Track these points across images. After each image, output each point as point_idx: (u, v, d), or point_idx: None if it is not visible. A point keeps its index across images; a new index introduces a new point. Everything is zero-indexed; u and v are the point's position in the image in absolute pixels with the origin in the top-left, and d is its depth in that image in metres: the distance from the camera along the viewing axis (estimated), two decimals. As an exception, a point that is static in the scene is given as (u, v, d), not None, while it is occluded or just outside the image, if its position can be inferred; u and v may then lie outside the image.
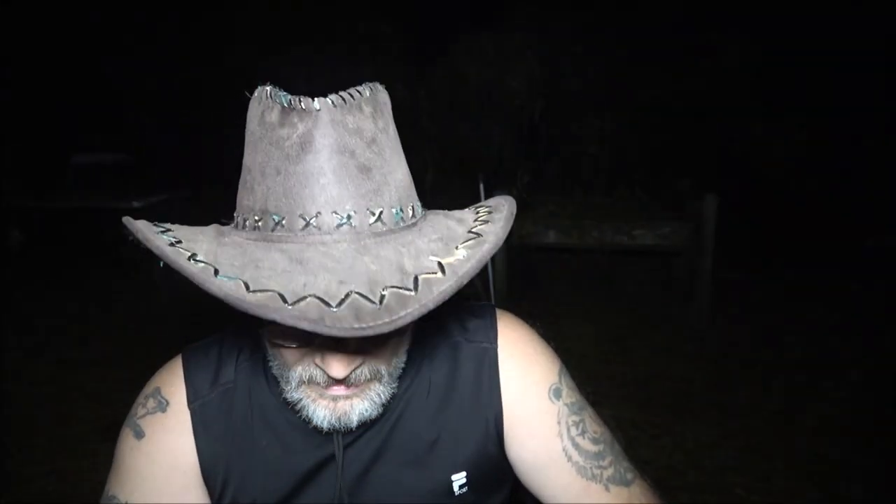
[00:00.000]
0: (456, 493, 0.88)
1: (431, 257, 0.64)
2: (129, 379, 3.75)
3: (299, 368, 0.72)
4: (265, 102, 0.67)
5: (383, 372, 0.75)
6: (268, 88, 0.67)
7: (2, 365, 3.87)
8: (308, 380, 0.72)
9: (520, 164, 6.60)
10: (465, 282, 0.61)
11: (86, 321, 4.85)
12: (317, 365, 0.71)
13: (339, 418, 0.73)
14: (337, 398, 0.73)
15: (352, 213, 0.64)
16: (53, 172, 6.31)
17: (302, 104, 0.64)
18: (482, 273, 4.72)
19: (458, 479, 0.88)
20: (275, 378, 0.86)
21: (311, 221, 0.63)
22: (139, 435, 0.85)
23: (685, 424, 3.34)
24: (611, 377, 3.81)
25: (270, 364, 0.78)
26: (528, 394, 0.90)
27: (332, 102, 0.65)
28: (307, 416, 0.74)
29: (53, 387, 3.73)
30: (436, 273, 0.61)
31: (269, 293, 0.56)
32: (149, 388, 0.89)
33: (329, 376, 0.70)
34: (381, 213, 0.66)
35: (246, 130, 0.70)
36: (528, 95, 7.05)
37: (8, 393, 3.56)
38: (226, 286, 0.57)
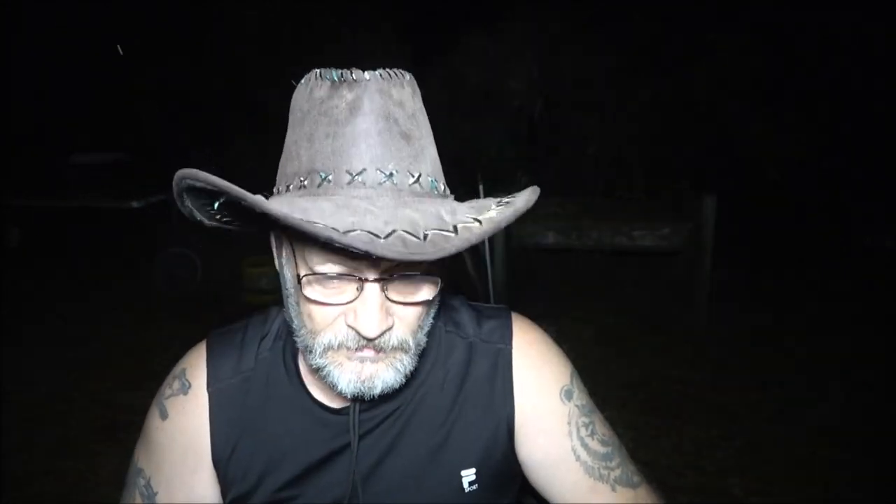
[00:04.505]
0: (466, 490, 0.90)
1: (468, 214, 0.69)
2: (128, 379, 3.77)
3: (329, 334, 0.74)
4: (313, 82, 0.73)
5: (410, 343, 0.76)
6: (316, 70, 0.73)
7: (1, 365, 3.86)
8: (337, 346, 0.74)
9: (519, 164, 6.60)
10: (502, 226, 0.67)
11: (85, 321, 4.84)
12: (349, 326, 0.72)
13: (363, 382, 0.74)
14: (364, 360, 0.74)
15: (394, 172, 0.69)
16: (53, 171, 6.31)
17: (353, 76, 0.71)
18: (482, 274, 4.72)
19: (468, 475, 0.90)
20: (295, 367, 0.90)
21: (357, 177, 0.68)
22: (164, 415, 0.91)
23: (684, 425, 3.34)
24: (609, 378, 3.81)
25: (296, 337, 0.79)
26: (541, 394, 0.92)
27: (380, 75, 0.72)
28: (332, 381, 0.75)
29: (53, 387, 3.72)
30: (473, 223, 0.67)
31: (321, 225, 0.60)
32: (177, 369, 0.93)
33: (361, 336, 0.71)
34: (419, 176, 0.71)
35: (291, 112, 0.75)
36: (527, 96, 7.05)
37: (7, 393, 3.55)
38: (279, 212, 0.61)
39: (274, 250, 0.82)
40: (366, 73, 0.72)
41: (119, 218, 6.10)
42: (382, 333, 0.73)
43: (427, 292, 0.75)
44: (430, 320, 0.83)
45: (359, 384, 0.75)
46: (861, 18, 6.16)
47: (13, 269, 5.89)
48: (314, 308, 0.75)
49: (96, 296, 5.45)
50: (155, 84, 7.60)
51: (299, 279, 0.73)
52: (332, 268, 0.71)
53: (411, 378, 0.89)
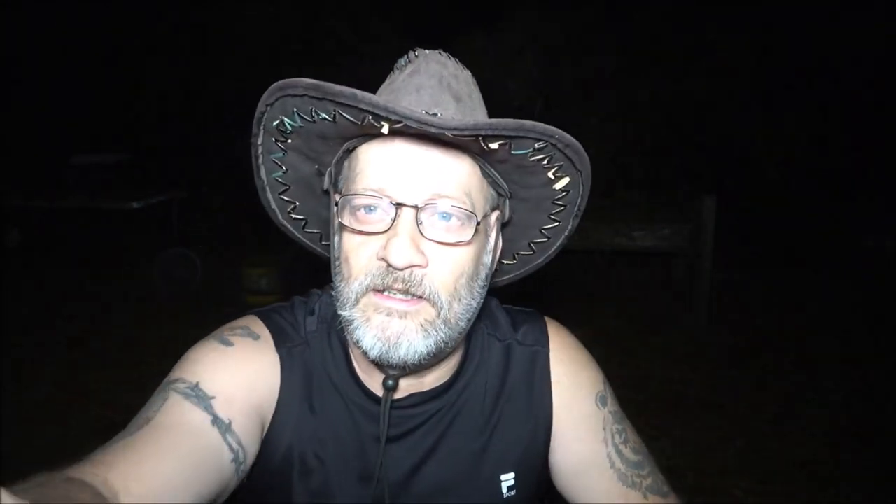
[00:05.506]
0: (504, 495, 0.89)
1: None
2: (128, 379, 3.75)
3: (360, 277, 0.73)
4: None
5: (442, 299, 0.73)
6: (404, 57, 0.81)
7: (0, 365, 3.86)
8: (367, 286, 0.72)
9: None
10: (537, 130, 0.71)
11: (85, 321, 4.84)
12: (380, 259, 0.71)
13: (388, 339, 0.72)
14: (391, 313, 0.72)
15: (438, 113, 0.73)
16: (53, 172, 6.31)
17: (415, 53, 0.80)
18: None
19: (507, 479, 0.90)
20: (344, 353, 0.87)
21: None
22: (227, 343, 0.82)
23: (684, 426, 3.34)
24: (609, 379, 3.79)
25: (336, 294, 0.77)
26: (577, 398, 0.93)
27: (440, 52, 0.80)
28: (358, 338, 0.73)
29: (53, 387, 3.72)
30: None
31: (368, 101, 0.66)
32: (235, 324, 0.87)
33: (389, 264, 0.70)
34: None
35: None
36: (527, 96, 7.05)
37: (7, 393, 3.55)
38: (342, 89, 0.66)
39: (331, 218, 0.80)
40: (427, 49, 0.79)
41: (119, 218, 6.10)
42: (413, 270, 0.71)
43: (464, 234, 0.73)
44: (472, 300, 0.77)
45: (384, 341, 0.71)
46: (861, 19, 6.16)
47: (13, 269, 5.89)
48: (349, 247, 0.74)
49: (96, 296, 5.45)
50: (155, 84, 7.59)
51: (338, 206, 0.75)
52: (369, 192, 0.72)
53: (456, 379, 0.88)
